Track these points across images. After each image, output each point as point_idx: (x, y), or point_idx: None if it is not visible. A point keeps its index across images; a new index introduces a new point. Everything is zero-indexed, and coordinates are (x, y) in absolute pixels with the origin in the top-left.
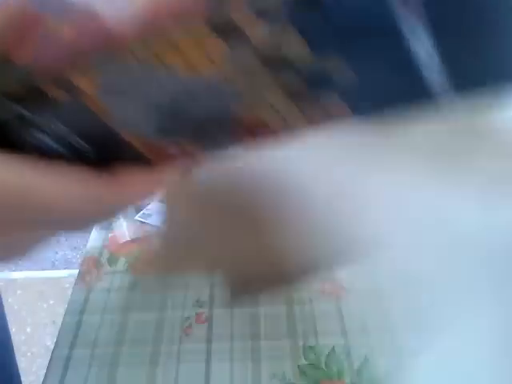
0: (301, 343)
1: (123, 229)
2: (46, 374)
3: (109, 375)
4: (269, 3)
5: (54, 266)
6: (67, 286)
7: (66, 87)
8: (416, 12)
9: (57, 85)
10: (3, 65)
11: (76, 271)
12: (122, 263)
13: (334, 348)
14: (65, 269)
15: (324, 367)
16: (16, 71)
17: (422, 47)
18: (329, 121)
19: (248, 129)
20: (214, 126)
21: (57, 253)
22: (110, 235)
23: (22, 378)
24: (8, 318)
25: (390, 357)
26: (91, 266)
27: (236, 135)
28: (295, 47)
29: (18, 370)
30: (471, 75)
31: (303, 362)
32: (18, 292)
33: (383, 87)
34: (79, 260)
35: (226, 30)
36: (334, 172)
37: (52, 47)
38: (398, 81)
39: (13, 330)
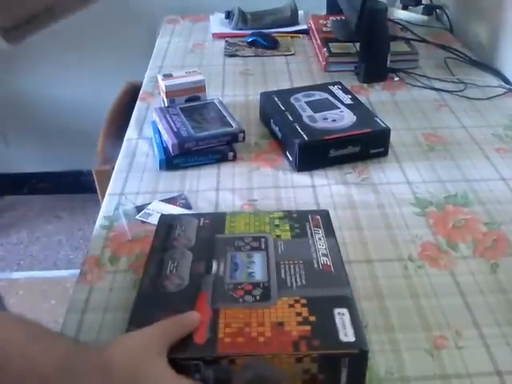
0: None
1: (124, 228)
2: None
3: None
4: None
5: (55, 266)
6: (69, 285)
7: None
8: None
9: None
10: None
11: (78, 271)
12: (123, 262)
13: None
14: (66, 269)
15: None
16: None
17: None
18: None
19: None
20: None
21: (58, 253)
22: (111, 235)
23: None
24: None
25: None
26: (92, 266)
27: None
28: None
29: None
30: None
31: None
32: (20, 292)
33: None
34: (81, 260)
35: None
36: None
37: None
38: None
39: None
